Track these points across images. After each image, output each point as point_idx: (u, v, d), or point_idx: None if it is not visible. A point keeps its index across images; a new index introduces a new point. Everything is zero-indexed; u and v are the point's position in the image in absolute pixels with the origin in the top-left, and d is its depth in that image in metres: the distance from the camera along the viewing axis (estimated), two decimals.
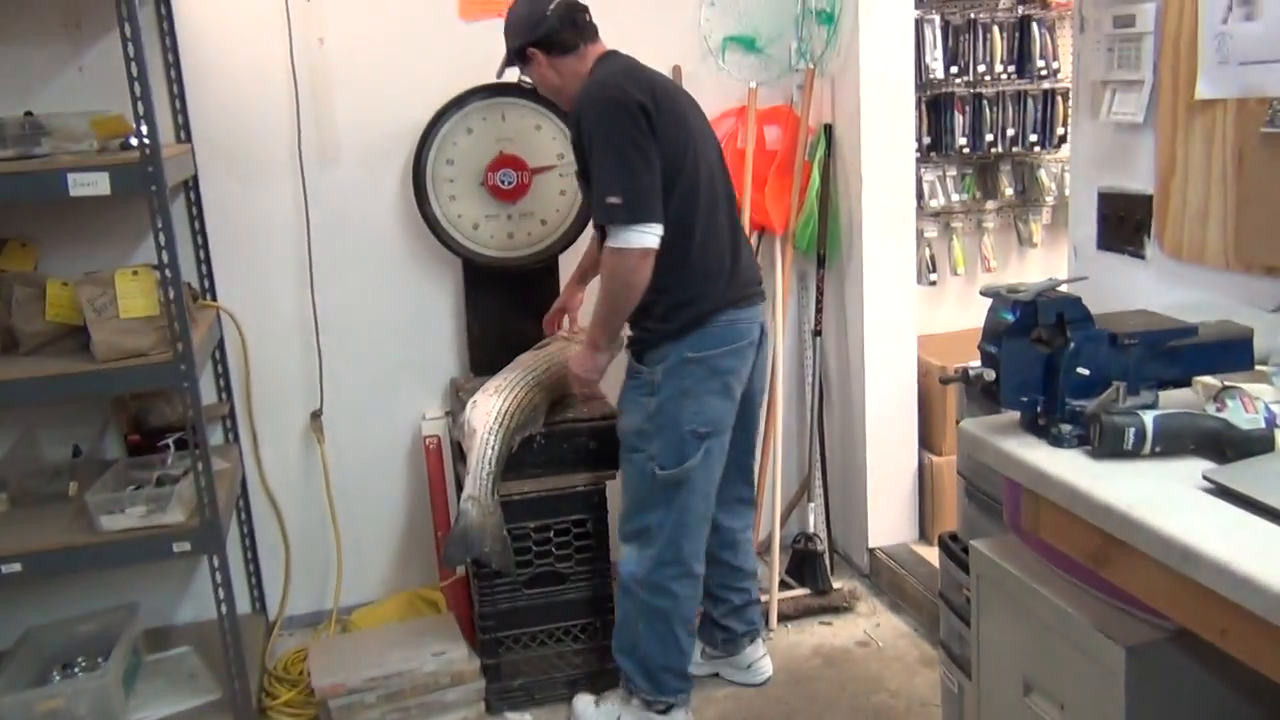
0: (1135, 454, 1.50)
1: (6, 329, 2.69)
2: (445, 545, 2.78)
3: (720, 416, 2.64)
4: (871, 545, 3.54)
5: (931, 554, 3.30)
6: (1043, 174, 3.74)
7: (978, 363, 1.68)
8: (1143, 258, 2.31)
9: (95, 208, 2.78)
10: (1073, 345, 1.56)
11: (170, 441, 2.87)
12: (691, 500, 2.64)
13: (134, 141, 2.49)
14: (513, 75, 2.78)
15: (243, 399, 3.23)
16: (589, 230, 3.05)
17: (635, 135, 2.41)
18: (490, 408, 2.77)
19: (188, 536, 2.61)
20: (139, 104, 2.39)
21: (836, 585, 3.43)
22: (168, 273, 2.49)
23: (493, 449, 2.73)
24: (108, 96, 2.77)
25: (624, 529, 2.73)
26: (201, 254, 3.12)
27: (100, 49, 2.90)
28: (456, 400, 3.13)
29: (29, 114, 2.66)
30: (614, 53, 2.63)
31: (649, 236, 2.42)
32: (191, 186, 3.07)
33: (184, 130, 3.03)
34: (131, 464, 2.87)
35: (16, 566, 2.53)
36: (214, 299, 3.14)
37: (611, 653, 2.81)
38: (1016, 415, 1.68)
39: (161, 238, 2.46)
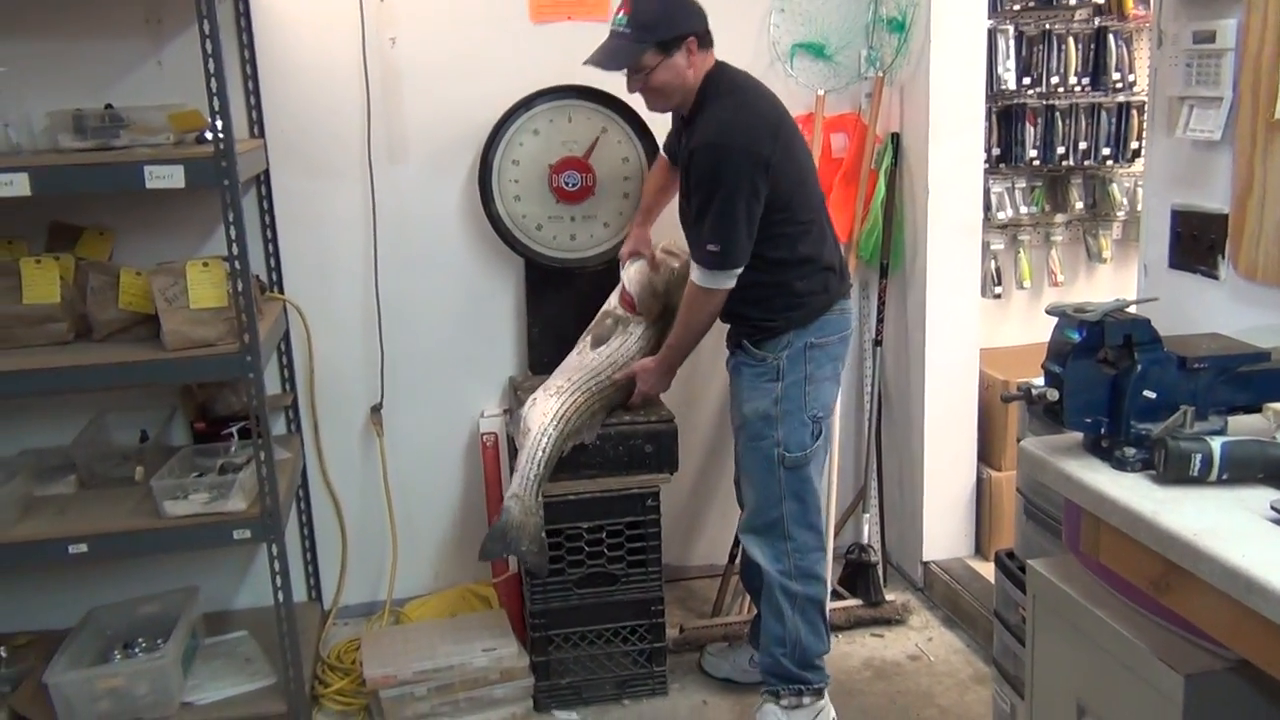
0: (1201, 481, 1.48)
1: (82, 315, 2.76)
2: (485, 538, 2.81)
3: (833, 400, 2.81)
4: (926, 558, 3.50)
5: (987, 569, 3.25)
6: (1114, 188, 3.66)
7: (1041, 380, 1.66)
8: (1216, 278, 2.26)
9: (170, 199, 2.84)
10: (1140, 368, 1.53)
11: (234, 430, 2.92)
12: (816, 482, 2.75)
13: (209, 136, 2.54)
14: (600, 80, 2.82)
15: (306, 391, 3.29)
16: None
17: (751, 191, 2.50)
18: (548, 409, 2.78)
19: (248, 524, 2.66)
20: (215, 100, 2.44)
21: (889, 597, 3.40)
22: (237, 265, 2.54)
23: (544, 450, 2.75)
24: (185, 90, 2.83)
25: (754, 523, 2.77)
26: (270, 247, 3.17)
27: (179, 44, 2.96)
28: (515, 399, 3.15)
29: (109, 106, 2.73)
30: (725, 64, 2.65)
31: (732, 279, 2.59)
32: (263, 181, 3.13)
33: (257, 126, 3.08)
34: (196, 450, 2.94)
35: (83, 547, 2.60)
36: (281, 292, 3.19)
37: (754, 660, 2.93)
38: (1079, 436, 1.65)
39: (232, 231, 2.51)
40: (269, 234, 3.17)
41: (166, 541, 2.70)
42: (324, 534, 3.39)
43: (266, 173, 3.12)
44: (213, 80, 2.42)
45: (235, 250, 2.53)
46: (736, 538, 3.28)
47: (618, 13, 2.56)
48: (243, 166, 2.58)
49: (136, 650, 2.87)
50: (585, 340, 3.00)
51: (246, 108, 3.06)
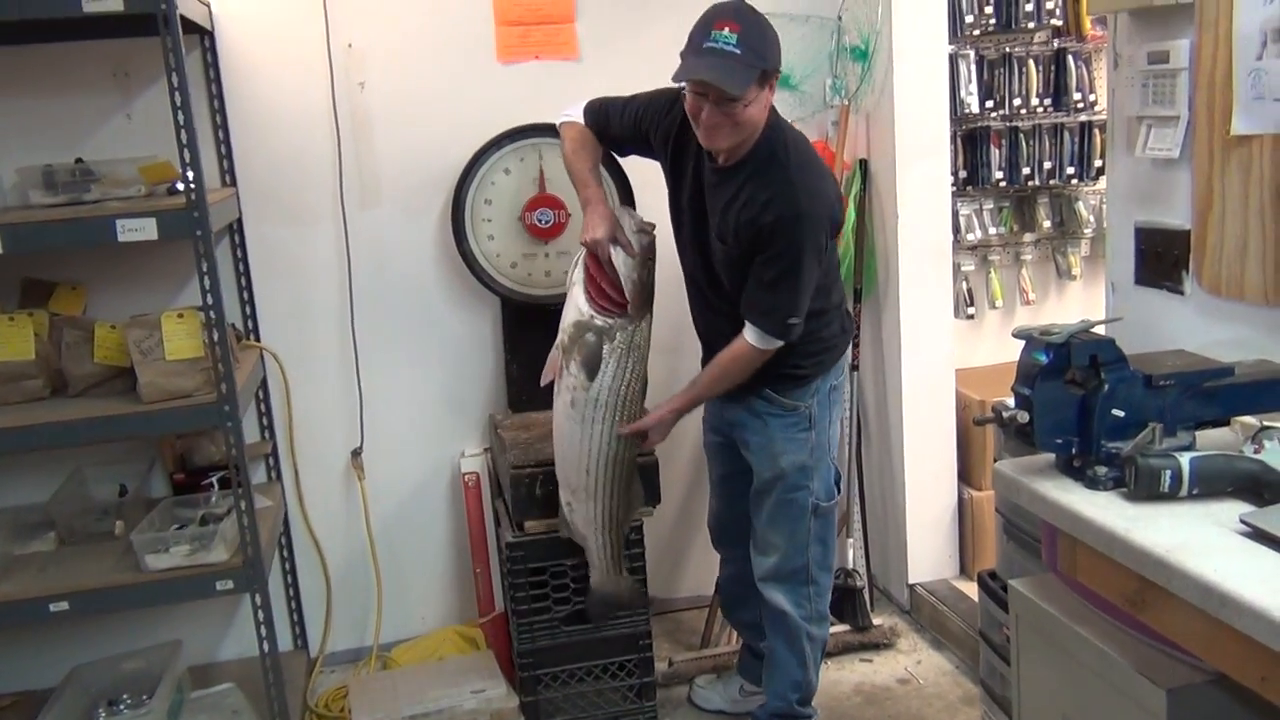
0: (1172, 497, 1.50)
1: (57, 371, 2.75)
2: (587, 607, 2.81)
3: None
4: (911, 581, 3.51)
5: (973, 589, 3.25)
6: (1081, 206, 3.71)
7: (1013, 402, 1.67)
8: (1181, 293, 2.29)
9: (143, 251, 2.85)
10: (1107, 387, 1.56)
11: (214, 480, 2.91)
12: (836, 525, 2.78)
13: (180, 187, 2.55)
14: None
15: (285, 438, 3.28)
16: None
17: (820, 256, 2.43)
18: (594, 514, 2.65)
19: (230, 575, 2.64)
20: (185, 151, 2.44)
21: (877, 622, 3.41)
22: (212, 315, 2.54)
23: (611, 546, 2.71)
24: (155, 143, 2.85)
25: (781, 571, 2.70)
26: (245, 295, 3.17)
27: (148, 97, 2.97)
28: (496, 437, 3.15)
29: (79, 161, 2.74)
30: (776, 110, 2.46)
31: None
32: (236, 229, 3.14)
33: (229, 174, 3.09)
34: (176, 502, 2.92)
35: (64, 605, 2.58)
36: (257, 339, 3.19)
37: (744, 690, 3.02)
38: (1052, 456, 1.67)
39: (206, 281, 2.51)
40: (244, 282, 3.17)
41: (148, 596, 2.67)
42: (308, 581, 3.37)
43: (239, 221, 3.13)
44: (182, 131, 2.43)
45: (210, 300, 2.53)
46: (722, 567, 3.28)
47: (717, 29, 2.25)
48: (215, 216, 2.58)
49: (121, 708, 2.84)
50: (570, 370, 2.56)
51: (218, 157, 3.07)
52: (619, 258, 2.51)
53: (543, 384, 2.64)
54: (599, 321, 2.52)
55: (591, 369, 2.54)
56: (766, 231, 2.35)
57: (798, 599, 2.72)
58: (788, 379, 2.57)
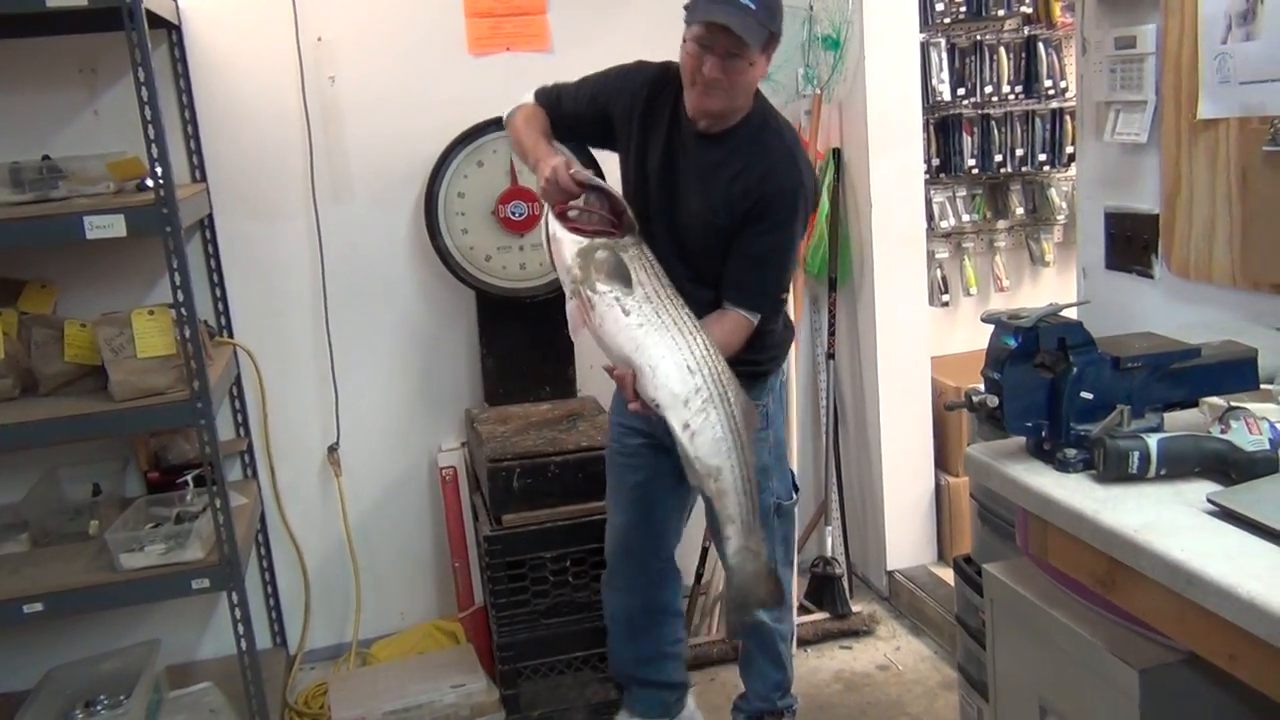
0: (1140, 478, 1.50)
1: (27, 370, 2.73)
2: (728, 616, 2.41)
3: None
4: (890, 568, 3.53)
5: (951, 575, 3.27)
6: (1053, 193, 3.73)
7: (983, 387, 1.68)
8: (1151, 277, 2.31)
9: (113, 248, 2.82)
10: (1075, 370, 1.56)
11: (189, 478, 2.89)
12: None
13: (149, 183, 2.52)
14: None
15: (260, 434, 3.26)
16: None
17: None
18: (721, 425, 2.13)
19: (206, 573, 2.63)
20: (153, 146, 2.42)
21: (856, 609, 3.42)
22: (183, 311, 2.52)
23: (746, 479, 2.17)
24: (124, 139, 2.82)
25: None
26: (218, 291, 3.15)
27: (115, 93, 2.95)
28: (472, 431, 3.15)
29: (46, 158, 2.71)
30: None
31: None
32: (207, 225, 3.12)
33: (199, 170, 3.07)
34: (151, 501, 2.90)
35: (38, 606, 2.55)
36: (230, 336, 3.17)
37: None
38: (1023, 440, 1.68)
39: (177, 277, 2.49)
40: (215, 278, 3.15)
41: (124, 595, 2.65)
42: (286, 578, 3.36)
43: (210, 217, 3.11)
44: (150, 127, 2.41)
45: (181, 297, 2.51)
46: (702, 557, 3.29)
47: None
48: (185, 212, 2.56)
49: (99, 708, 2.81)
50: (599, 291, 2.16)
51: (187, 152, 3.05)
52: (609, 188, 2.28)
53: (574, 338, 2.31)
54: (602, 241, 2.21)
55: (624, 278, 2.17)
56: (765, 201, 2.24)
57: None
58: (748, 377, 2.33)
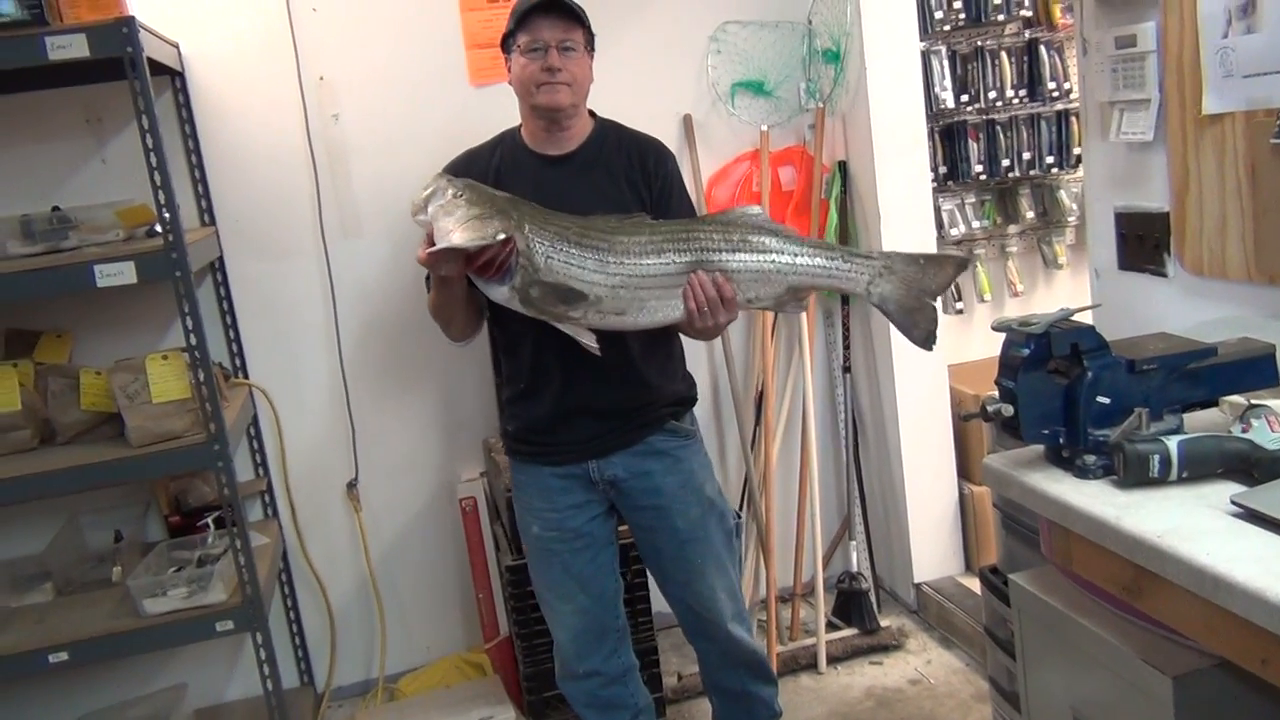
0: (1162, 481, 1.48)
1: (45, 420, 2.74)
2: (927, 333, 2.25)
3: None
4: (917, 580, 3.49)
5: (979, 585, 3.24)
6: (1063, 195, 3.70)
7: (998, 395, 1.66)
8: (1165, 275, 2.29)
9: (125, 295, 2.82)
10: (1090, 374, 1.54)
11: (210, 521, 2.90)
12: None
13: (158, 229, 2.54)
14: None
15: (279, 473, 3.26)
16: None
17: None
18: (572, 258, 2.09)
19: (230, 615, 2.63)
20: (160, 192, 2.44)
21: (884, 623, 3.39)
22: (197, 355, 2.53)
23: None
24: (132, 186, 2.84)
25: (737, 610, 2.49)
26: (231, 333, 3.17)
27: (121, 140, 2.97)
28: (490, 461, 3.14)
29: (56, 209, 2.73)
30: None
31: None
32: (218, 268, 3.13)
33: (208, 214, 3.09)
34: (173, 545, 2.90)
35: (64, 655, 2.56)
36: (245, 377, 3.18)
37: None
38: (1041, 448, 1.65)
39: (189, 321, 2.50)
40: (228, 320, 3.16)
41: (149, 641, 2.65)
42: (310, 616, 3.35)
43: (221, 259, 3.12)
44: (156, 173, 2.42)
45: (194, 340, 2.52)
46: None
47: None
48: (195, 256, 2.58)
49: None
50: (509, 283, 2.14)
51: (195, 196, 3.07)
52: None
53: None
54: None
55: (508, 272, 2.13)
56: (668, 167, 2.36)
57: (749, 626, 2.59)
58: (683, 402, 2.41)
